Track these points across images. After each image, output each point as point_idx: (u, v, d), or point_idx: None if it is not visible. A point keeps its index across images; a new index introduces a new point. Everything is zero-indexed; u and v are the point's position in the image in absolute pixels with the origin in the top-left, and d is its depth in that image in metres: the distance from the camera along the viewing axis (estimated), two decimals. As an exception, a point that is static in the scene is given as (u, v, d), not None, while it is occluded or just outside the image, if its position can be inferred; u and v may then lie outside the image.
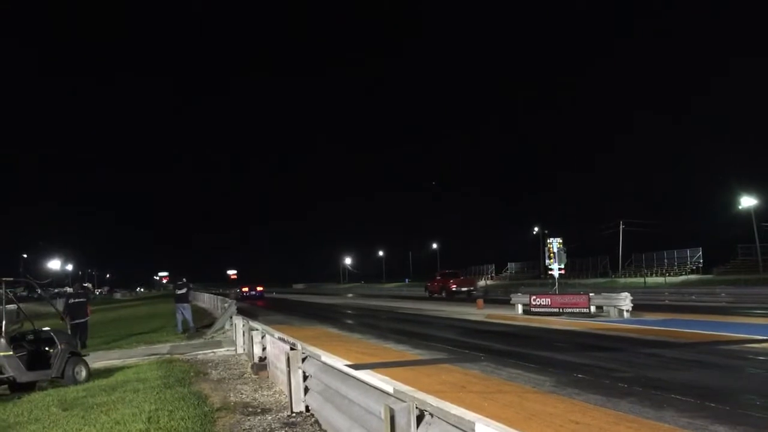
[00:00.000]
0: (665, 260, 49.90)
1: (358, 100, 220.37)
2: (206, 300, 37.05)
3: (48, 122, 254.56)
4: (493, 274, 70.01)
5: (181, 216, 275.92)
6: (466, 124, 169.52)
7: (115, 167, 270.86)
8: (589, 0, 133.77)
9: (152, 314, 30.25)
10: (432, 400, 3.30)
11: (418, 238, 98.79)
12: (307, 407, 6.36)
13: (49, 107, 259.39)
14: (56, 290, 55.96)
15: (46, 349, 9.18)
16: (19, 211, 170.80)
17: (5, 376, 8.55)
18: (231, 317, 15.68)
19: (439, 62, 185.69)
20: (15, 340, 8.87)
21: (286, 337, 7.88)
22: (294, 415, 6.33)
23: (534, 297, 19.21)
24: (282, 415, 6.42)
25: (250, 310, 27.84)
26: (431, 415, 3.25)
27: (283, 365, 6.89)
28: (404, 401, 3.54)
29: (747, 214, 41.76)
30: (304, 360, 6.43)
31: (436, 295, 38.89)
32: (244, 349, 11.89)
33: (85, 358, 10.01)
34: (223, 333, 16.65)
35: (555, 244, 20.44)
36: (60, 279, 76.02)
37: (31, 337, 9.34)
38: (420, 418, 3.35)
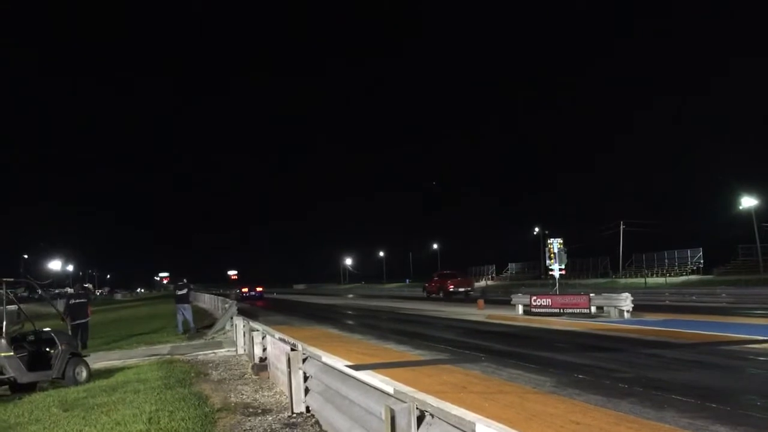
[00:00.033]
0: (666, 260, 49.94)
1: (358, 100, 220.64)
2: (207, 300, 37.06)
3: (48, 122, 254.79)
4: (493, 275, 70.05)
5: (181, 216, 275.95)
6: (466, 124, 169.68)
7: (115, 167, 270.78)
8: (589, 0, 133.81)
9: (153, 315, 30.29)
10: (432, 401, 3.30)
11: (419, 238, 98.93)
12: (307, 408, 6.36)
13: (49, 107, 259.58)
14: (57, 291, 55.97)
15: (47, 349, 9.18)
16: (19, 211, 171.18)
17: (6, 376, 8.55)
18: (232, 318, 15.68)
19: (439, 62, 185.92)
20: (16, 341, 8.87)
21: (286, 338, 7.88)
22: (295, 415, 6.34)
23: (534, 297, 19.20)
24: (283, 415, 6.42)
25: (250, 310, 27.84)
26: (432, 415, 3.25)
27: (283, 366, 6.89)
28: (405, 402, 3.54)
29: (747, 214, 41.79)
30: (304, 361, 6.43)
31: (433, 295, 38.98)
32: (244, 350, 11.89)
33: (85, 358, 10.00)
34: (224, 334, 16.66)
35: (555, 244, 20.43)
36: (60, 279, 76.04)
37: (31, 337, 9.34)
38: (420, 419, 3.35)
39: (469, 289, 38.45)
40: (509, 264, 69.96)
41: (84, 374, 9.46)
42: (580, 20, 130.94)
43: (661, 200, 73.67)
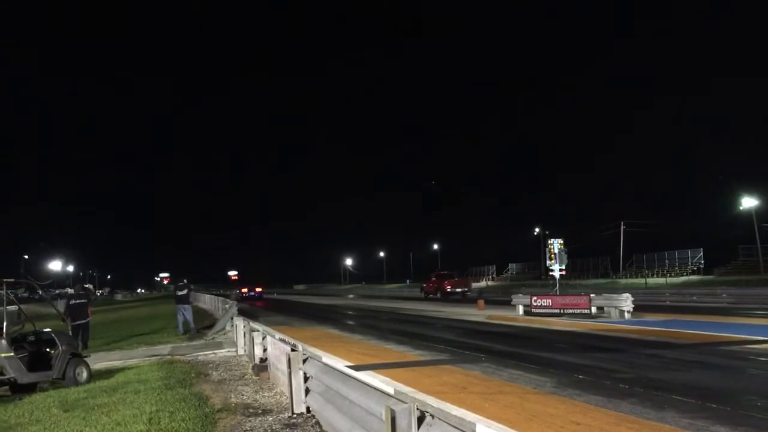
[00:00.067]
0: (666, 261, 49.92)
1: (358, 100, 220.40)
2: (207, 301, 37.07)
3: (48, 122, 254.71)
4: (494, 275, 70.02)
5: (181, 216, 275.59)
6: (466, 124, 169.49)
7: (115, 167, 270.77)
8: (589, 0, 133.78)
9: (153, 315, 30.29)
10: (433, 401, 3.30)
11: (419, 238, 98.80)
12: (308, 408, 6.36)
13: (49, 107, 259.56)
14: (57, 291, 55.99)
15: (47, 350, 9.18)
16: (19, 211, 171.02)
17: (6, 377, 8.55)
18: (232, 318, 15.68)
19: (439, 62, 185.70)
20: (16, 341, 8.87)
21: (287, 338, 7.88)
22: (295, 416, 6.34)
23: (535, 298, 19.20)
24: (283, 416, 6.43)
25: (250, 311, 27.85)
26: (432, 416, 3.26)
27: (284, 366, 6.90)
28: (405, 402, 3.54)
29: (748, 214, 41.77)
30: (305, 361, 6.43)
31: (431, 295, 39.03)
32: (245, 351, 11.89)
33: (86, 359, 10.00)
34: (224, 334, 16.66)
35: (556, 244, 20.42)
36: (61, 280, 76.04)
37: (32, 338, 9.33)
38: (421, 420, 3.35)
39: (466, 289, 38.58)
40: (509, 264, 69.94)
41: (84, 375, 9.45)
42: (580, 20, 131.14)
43: (662, 200, 73.70)
